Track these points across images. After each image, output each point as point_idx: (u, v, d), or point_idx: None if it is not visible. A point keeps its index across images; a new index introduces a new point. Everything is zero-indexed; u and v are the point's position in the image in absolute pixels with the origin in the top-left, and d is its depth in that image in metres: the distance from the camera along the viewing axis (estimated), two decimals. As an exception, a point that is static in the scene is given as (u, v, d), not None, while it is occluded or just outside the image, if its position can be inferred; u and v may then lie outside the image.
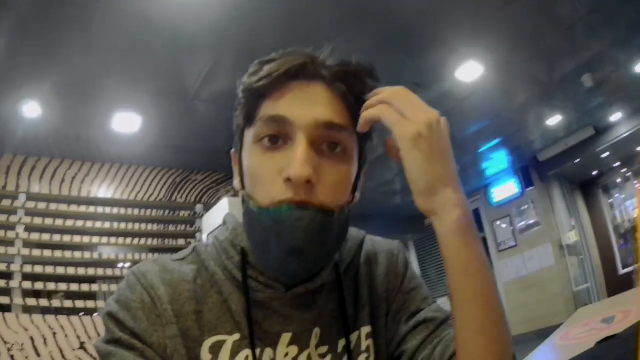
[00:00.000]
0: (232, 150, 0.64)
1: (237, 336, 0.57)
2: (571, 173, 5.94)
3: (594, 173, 6.33)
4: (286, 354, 0.59)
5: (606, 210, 6.30)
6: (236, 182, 0.63)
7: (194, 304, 0.58)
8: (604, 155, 5.67)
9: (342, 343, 0.62)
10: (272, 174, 0.54)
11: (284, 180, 0.53)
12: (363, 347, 0.63)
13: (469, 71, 3.62)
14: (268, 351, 0.58)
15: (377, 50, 3.12)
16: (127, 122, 3.51)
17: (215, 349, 0.57)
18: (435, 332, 0.62)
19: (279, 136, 0.55)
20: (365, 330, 0.64)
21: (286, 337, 0.59)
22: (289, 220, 0.53)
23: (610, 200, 6.31)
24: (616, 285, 5.49)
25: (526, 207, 5.84)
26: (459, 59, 3.49)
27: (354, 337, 0.63)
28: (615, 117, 5.14)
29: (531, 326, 5.29)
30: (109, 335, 0.55)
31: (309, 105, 0.55)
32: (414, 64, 3.41)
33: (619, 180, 6.25)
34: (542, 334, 3.34)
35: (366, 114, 0.55)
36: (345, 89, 0.56)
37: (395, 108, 0.53)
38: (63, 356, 3.35)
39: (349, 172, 0.58)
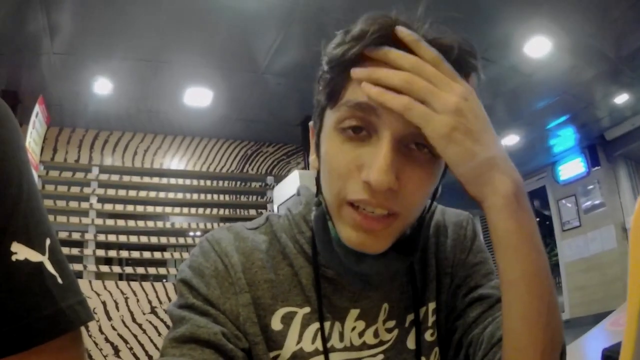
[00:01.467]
0: (311, 123, 0.60)
1: (307, 309, 0.57)
2: (638, 154, 5.71)
3: (661, 155, 6.05)
4: (353, 328, 0.59)
5: (671, 194, 6.03)
6: (312, 159, 0.60)
7: (266, 272, 0.58)
8: (671, 137, 5.41)
9: (409, 318, 0.61)
10: (350, 168, 0.50)
11: (362, 180, 0.49)
12: (429, 323, 0.62)
13: (537, 46, 3.51)
14: (337, 325, 0.58)
15: (444, 22, 3.06)
16: (198, 96, 3.60)
17: (287, 319, 0.57)
18: (489, 311, 0.59)
19: (363, 127, 0.49)
20: (432, 306, 0.63)
21: (354, 312, 0.59)
22: (360, 265, 0.53)
23: (676, 184, 6.03)
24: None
25: (592, 187, 5.67)
26: (526, 34, 3.39)
27: (421, 312, 0.62)
28: (685, 96, 4.89)
29: (589, 309, 5.18)
30: (182, 301, 0.55)
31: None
32: (482, 38, 3.33)
33: (686, 163, 5.95)
34: (600, 318, 3.22)
35: (389, 102, 0.46)
36: None
37: (415, 94, 0.46)
38: (134, 320, 3.54)
39: (433, 176, 0.52)
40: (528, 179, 6.41)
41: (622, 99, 4.61)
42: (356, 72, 0.48)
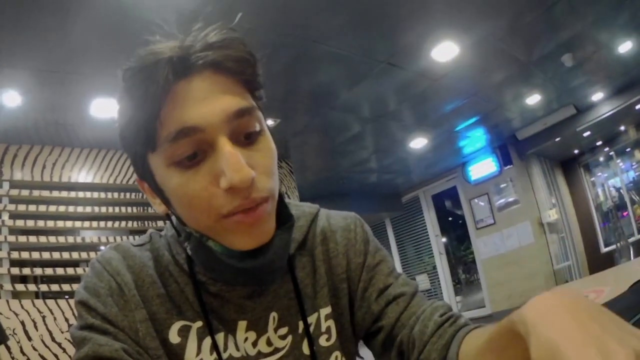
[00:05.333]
0: (137, 180, 0.60)
1: (199, 323, 0.59)
2: (552, 152, 5.94)
3: (576, 151, 6.35)
4: (245, 339, 0.61)
5: (588, 189, 6.35)
6: (157, 205, 0.58)
7: (157, 288, 0.59)
8: (585, 134, 5.68)
9: (301, 325, 0.63)
10: (206, 188, 0.50)
11: (223, 191, 0.49)
12: (323, 329, 0.64)
13: (445, 51, 3.60)
14: (230, 337, 0.60)
15: (352, 30, 3.11)
16: (104, 108, 3.54)
17: (184, 332, 0.58)
18: (408, 309, 0.62)
19: (196, 152, 0.50)
20: (325, 311, 0.65)
21: (242, 324, 0.61)
22: (259, 257, 0.54)
23: (592, 179, 6.36)
24: (598, 263, 5.56)
25: (505, 185, 5.83)
26: (434, 39, 3.46)
27: (312, 318, 0.64)
28: (597, 96, 5.14)
29: (511, 303, 5.37)
30: (82, 322, 0.55)
31: (210, 101, 0.50)
32: (389, 44, 3.39)
33: (601, 159, 6.30)
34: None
35: None
36: (234, 70, 0.52)
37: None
38: (53, 339, 3.44)
39: (273, 149, 0.55)
40: (438, 180, 6.56)
41: (533, 99, 4.77)
42: None
